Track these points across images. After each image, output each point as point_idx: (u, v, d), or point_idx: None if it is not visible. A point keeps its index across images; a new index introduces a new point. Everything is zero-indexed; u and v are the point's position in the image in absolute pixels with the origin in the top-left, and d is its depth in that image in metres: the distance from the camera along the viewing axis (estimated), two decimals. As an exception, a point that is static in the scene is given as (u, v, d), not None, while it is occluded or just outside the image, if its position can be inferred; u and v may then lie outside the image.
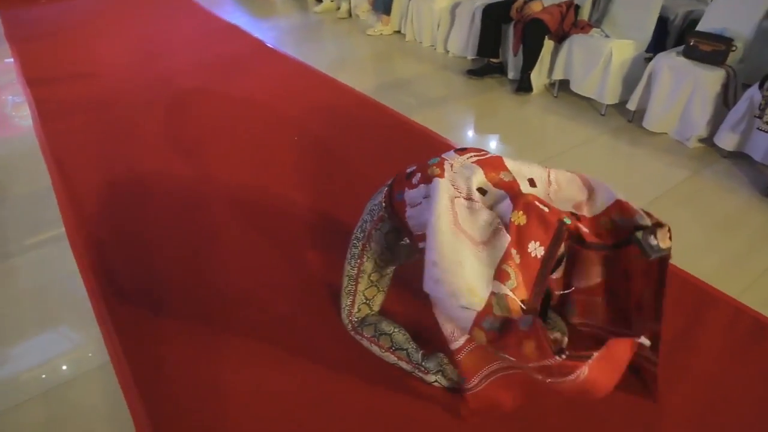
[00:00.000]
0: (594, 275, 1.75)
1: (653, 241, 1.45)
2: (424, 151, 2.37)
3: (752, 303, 2.18)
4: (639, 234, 1.45)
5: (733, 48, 3.10)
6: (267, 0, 6.34)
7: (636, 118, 3.51)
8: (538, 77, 3.90)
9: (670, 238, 1.48)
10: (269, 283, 2.27)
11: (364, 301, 1.84)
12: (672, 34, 4.17)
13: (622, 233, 1.53)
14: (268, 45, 4.90)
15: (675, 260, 2.30)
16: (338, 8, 5.73)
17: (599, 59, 3.49)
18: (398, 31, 5.15)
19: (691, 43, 3.21)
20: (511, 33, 3.93)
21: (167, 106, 3.75)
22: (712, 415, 1.77)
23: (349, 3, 5.60)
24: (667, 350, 2.00)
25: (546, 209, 1.40)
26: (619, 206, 1.56)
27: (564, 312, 1.88)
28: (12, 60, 4.69)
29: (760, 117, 2.80)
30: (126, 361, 1.92)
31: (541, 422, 1.73)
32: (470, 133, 3.61)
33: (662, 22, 4.04)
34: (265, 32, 5.21)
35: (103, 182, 2.95)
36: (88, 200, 2.81)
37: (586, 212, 1.58)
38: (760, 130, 2.81)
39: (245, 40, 5.07)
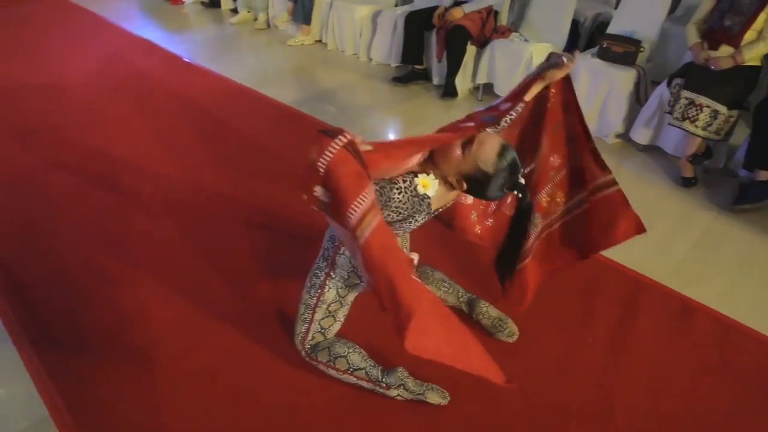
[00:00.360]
0: (538, 146, 1.87)
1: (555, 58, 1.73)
2: None
3: (678, 286, 2.33)
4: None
5: (642, 49, 3.30)
6: (179, 13, 6.11)
7: (557, 117, 3.67)
8: (462, 82, 3.99)
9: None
10: (198, 306, 2.18)
11: (319, 330, 1.79)
12: (583, 36, 4.40)
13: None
14: (184, 59, 4.72)
15: (605, 252, 2.45)
16: (255, 19, 5.61)
17: (520, 63, 3.62)
18: (320, 41, 5.11)
19: (604, 46, 3.40)
20: (434, 40, 4.00)
21: (80, 127, 3.52)
22: (653, 393, 1.88)
23: (267, 14, 5.50)
24: (606, 336, 2.12)
25: None
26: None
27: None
28: None
29: (671, 113, 3.00)
30: (68, 414, 1.78)
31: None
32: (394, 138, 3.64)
33: (573, 25, 4.24)
34: (180, 46, 5.02)
35: (8, 205, 2.73)
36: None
37: None
38: (672, 125, 3.01)
39: (159, 54, 4.86)
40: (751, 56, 2.84)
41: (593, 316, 2.21)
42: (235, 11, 5.88)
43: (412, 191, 1.50)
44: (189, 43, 5.16)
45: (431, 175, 1.53)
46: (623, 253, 2.49)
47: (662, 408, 1.84)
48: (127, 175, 3.04)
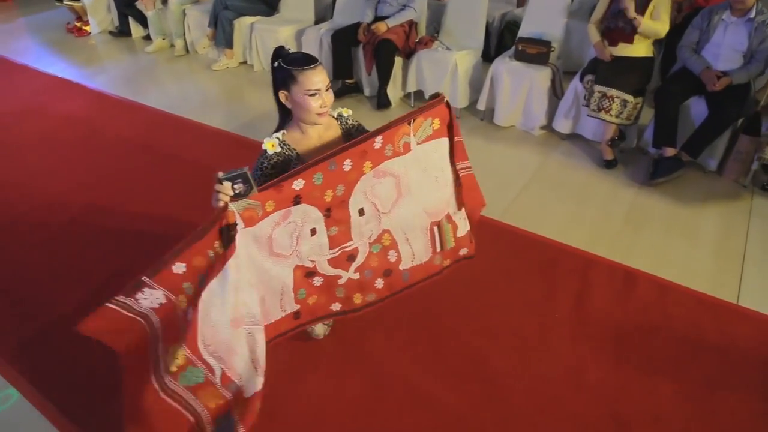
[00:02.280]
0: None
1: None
2: None
3: (619, 257, 2.71)
4: None
5: (552, 49, 3.68)
6: (86, 45, 5.91)
7: (487, 116, 4.00)
8: (394, 91, 4.23)
9: None
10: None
11: None
12: (494, 35, 4.78)
13: None
14: (108, 94, 4.63)
15: (551, 234, 2.78)
16: (172, 46, 5.55)
17: (446, 70, 3.90)
18: (245, 62, 5.17)
19: (520, 48, 3.75)
20: (361, 55, 4.21)
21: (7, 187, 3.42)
22: (616, 357, 2.22)
23: (184, 39, 5.46)
24: (566, 311, 2.43)
25: None
26: None
27: None
28: None
29: (587, 106, 3.40)
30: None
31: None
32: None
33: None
34: (96, 81, 4.89)
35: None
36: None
37: None
38: (590, 116, 3.40)
39: (80, 92, 4.73)
40: (649, 27, 3.21)
41: (554, 295, 2.52)
42: (147, 39, 5.77)
43: (263, 155, 1.79)
44: (104, 76, 5.04)
45: (273, 137, 1.81)
46: (568, 234, 2.85)
47: (624, 363, 2.18)
48: (78, 218, 3.03)
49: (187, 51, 5.50)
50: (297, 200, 1.68)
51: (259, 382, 1.66)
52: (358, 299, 1.99)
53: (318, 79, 1.74)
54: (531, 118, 3.80)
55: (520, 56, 3.75)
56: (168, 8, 5.35)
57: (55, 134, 4.02)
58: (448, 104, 1.92)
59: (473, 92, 4.03)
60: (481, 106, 3.93)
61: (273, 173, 1.76)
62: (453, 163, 2.01)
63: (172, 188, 3.31)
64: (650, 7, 3.23)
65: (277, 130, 1.88)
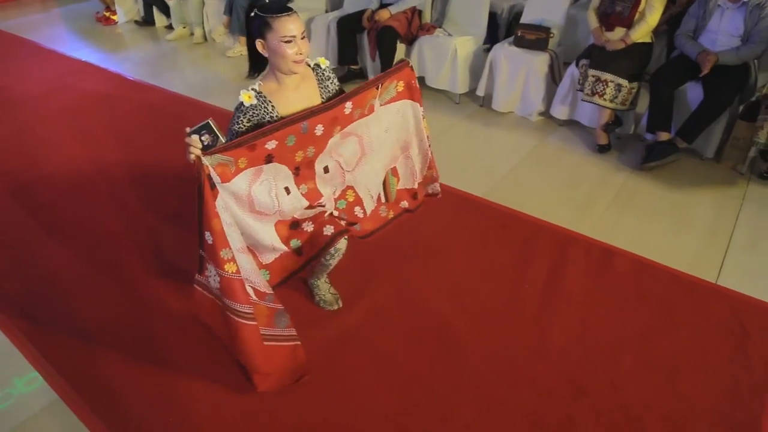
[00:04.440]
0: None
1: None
2: None
3: (599, 236, 2.70)
4: None
5: (551, 35, 3.69)
6: (113, 33, 6.18)
7: (486, 102, 4.02)
8: (396, 78, 4.28)
9: None
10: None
11: None
12: (502, 27, 4.78)
13: None
14: (128, 78, 4.84)
15: (535, 212, 2.79)
16: (192, 34, 5.75)
17: (447, 56, 3.94)
18: (258, 50, 5.31)
19: (519, 34, 3.77)
20: (366, 41, 4.28)
21: (30, 154, 3.61)
22: (583, 323, 2.21)
23: (203, 28, 5.65)
24: (540, 283, 2.44)
25: None
26: None
27: None
28: None
29: (582, 90, 3.39)
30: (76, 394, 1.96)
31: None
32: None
33: (492, 17, 4.62)
34: (120, 66, 5.12)
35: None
36: None
37: None
38: (584, 100, 3.40)
39: (101, 75, 4.95)
40: (637, 35, 3.25)
41: (528, 268, 2.52)
42: (170, 28, 5.99)
43: (239, 108, 1.84)
44: (128, 62, 5.26)
45: (250, 89, 1.85)
46: (552, 213, 2.85)
47: (589, 333, 2.18)
48: (100, 182, 3.18)
49: (205, 39, 5.69)
50: (269, 159, 1.78)
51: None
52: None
53: (293, 26, 1.77)
54: (528, 104, 3.81)
55: (519, 42, 3.77)
56: (188, -4, 5.56)
57: (75, 109, 4.25)
58: (411, 68, 2.03)
59: (473, 79, 4.05)
60: (480, 92, 3.96)
61: (249, 128, 1.84)
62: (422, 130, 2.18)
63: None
64: (642, 2, 3.22)
65: (248, 77, 1.94)
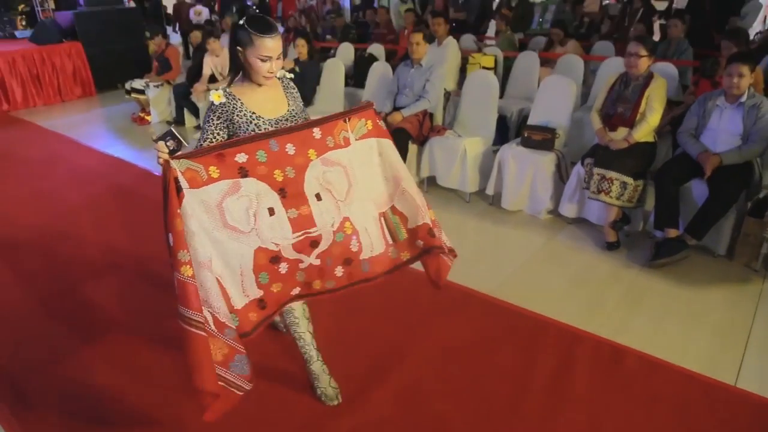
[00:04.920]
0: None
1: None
2: None
3: (608, 334, 2.62)
4: None
5: (557, 135, 3.81)
6: (146, 131, 6.57)
7: (495, 201, 4.08)
8: (409, 176, 4.42)
9: None
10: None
11: None
12: (512, 129, 4.98)
13: None
14: (155, 173, 5.07)
15: (542, 309, 2.74)
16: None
17: (456, 156, 4.08)
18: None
19: (526, 135, 3.90)
20: (380, 141, 4.47)
21: (62, 242, 3.74)
22: (592, 427, 2.10)
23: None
24: (542, 381, 2.35)
25: None
26: None
27: None
28: None
29: (587, 188, 3.44)
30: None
31: None
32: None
33: (502, 120, 4.83)
34: (149, 162, 5.39)
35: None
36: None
37: None
38: (590, 198, 3.44)
39: (131, 170, 5.22)
40: (639, 135, 3.35)
41: (534, 367, 2.44)
42: (198, 128, 6.35)
43: (210, 107, 1.98)
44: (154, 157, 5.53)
45: (219, 90, 1.99)
46: (560, 310, 2.80)
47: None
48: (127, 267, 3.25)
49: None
50: (244, 172, 1.84)
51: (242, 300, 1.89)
52: (317, 285, 2.04)
53: (272, 46, 1.93)
54: (537, 203, 3.86)
55: (526, 142, 3.89)
56: (217, 101, 5.92)
57: (98, 200, 4.46)
58: (375, 111, 2.19)
59: (483, 178, 4.15)
60: (490, 191, 4.04)
61: (219, 123, 1.98)
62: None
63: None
64: (642, 103, 3.35)
65: (230, 77, 2.09)
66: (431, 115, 4.42)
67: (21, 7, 12.06)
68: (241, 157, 1.83)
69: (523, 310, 2.84)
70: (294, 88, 2.19)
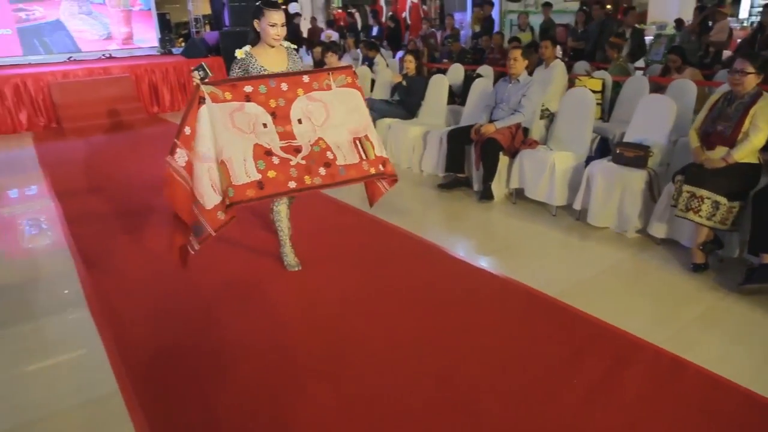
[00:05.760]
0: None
1: None
2: (398, 250, 3.41)
3: (673, 349, 2.51)
4: None
5: (651, 153, 3.70)
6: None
7: (582, 216, 4.02)
8: (498, 187, 4.49)
9: None
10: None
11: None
12: (613, 151, 4.85)
13: None
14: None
15: (606, 318, 2.67)
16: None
17: (545, 168, 4.09)
18: (381, 158, 5.87)
19: (618, 152, 3.83)
20: (473, 152, 4.60)
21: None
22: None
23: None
24: (587, 379, 2.34)
25: None
26: None
27: None
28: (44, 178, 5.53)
29: (675, 205, 3.31)
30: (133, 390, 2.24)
31: None
32: (442, 234, 4.10)
33: (604, 141, 4.74)
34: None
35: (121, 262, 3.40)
36: (112, 287, 3.24)
37: None
38: (677, 216, 3.30)
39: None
40: (740, 155, 3.17)
41: (580, 365, 2.42)
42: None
43: (235, 60, 3.03)
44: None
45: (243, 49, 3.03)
46: (624, 321, 2.72)
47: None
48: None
49: (339, 147, 6.41)
50: (248, 98, 2.80)
51: (216, 199, 2.71)
52: (308, 180, 2.85)
53: (277, 17, 2.93)
54: (624, 220, 3.75)
55: (617, 159, 3.82)
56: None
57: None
58: (354, 72, 3.19)
59: (571, 193, 4.10)
60: (577, 205, 3.99)
61: (238, 71, 3.00)
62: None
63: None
64: (746, 122, 3.18)
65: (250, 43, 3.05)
66: (525, 129, 4.47)
67: (182, 30, 13.83)
68: (248, 88, 2.81)
69: (583, 312, 2.81)
70: (297, 57, 3.20)
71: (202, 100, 2.67)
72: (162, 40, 11.61)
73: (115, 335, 2.72)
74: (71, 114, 7.92)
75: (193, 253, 2.83)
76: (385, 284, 3.20)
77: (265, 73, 2.96)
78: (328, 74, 3.03)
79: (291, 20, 12.53)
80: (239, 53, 2.97)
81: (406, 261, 3.52)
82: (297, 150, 2.83)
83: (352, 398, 2.25)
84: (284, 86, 2.88)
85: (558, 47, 6.90)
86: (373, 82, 6.96)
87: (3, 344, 2.74)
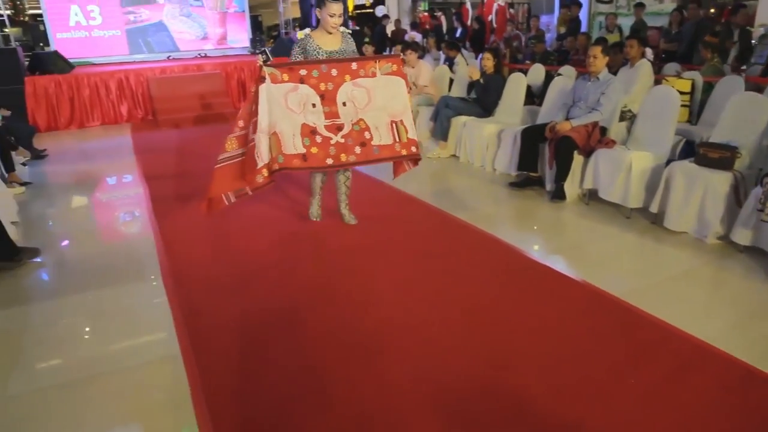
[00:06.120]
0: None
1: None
2: (466, 245, 3.50)
3: (753, 360, 2.35)
4: None
5: (738, 155, 3.47)
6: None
7: (658, 219, 3.83)
8: (571, 187, 4.36)
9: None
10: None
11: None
12: (696, 151, 4.58)
13: None
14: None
15: (676, 323, 2.56)
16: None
17: (621, 168, 3.93)
18: (454, 155, 5.87)
19: (701, 152, 3.63)
20: (546, 150, 4.50)
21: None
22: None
23: (414, 134, 6.45)
24: (646, 379, 2.29)
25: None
26: None
27: None
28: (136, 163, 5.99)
29: (762, 210, 3.09)
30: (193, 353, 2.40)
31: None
32: (509, 231, 4.04)
33: (689, 145, 4.49)
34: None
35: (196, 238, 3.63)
36: (185, 259, 3.47)
37: None
38: (763, 221, 3.08)
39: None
40: None
41: (641, 364, 2.33)
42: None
43: (296, 41, 3.62)
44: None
45: (304, 30, 3.62)
46: (697, 327, 2.57)
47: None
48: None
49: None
50: (302, 80, 3.35)
51: (261, 163, 3.35)
52: (343, 158, 3.50)
53: (336, 8, 3.36)
54: (705, 225, 3.54)
55: (700, 160, 3.61)
56: (407, 108, 6.46)
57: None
58: (403, 60, 3.84)
59: (648, 195, 3.92)
60: (654, 208, 3.80)
61: (299, 51, 3.51)
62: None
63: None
64: None
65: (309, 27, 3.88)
66: (603, 129, 4.32)
67: (273, 32, 14.52)
68: (303, 72, 3.35)
69: (648, 314, 2.69)
70: (351, 39, 3.63)
71: (262, 79, 3.28)
72: (253, 41, 12.16)
73: (180, 302, 2.92)
74: (166, 107, 8.51)
75: (227, 204, 3.47)
76: (448, 274, 3.21)
77: (321, 51, 3.47)
78: (375, 62, 3.48)
79: (379, 22, 12.80)
80: (300, 34, 3.53)
81: (468, 252, 3.52)
82: (339, 128, 3.42)
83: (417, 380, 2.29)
84: (334, 72, 3.37)
85: (648, 50, 6.61)
86: (451, 81, 6.95)
87: (84, 304, 3.02)
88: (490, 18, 13.43)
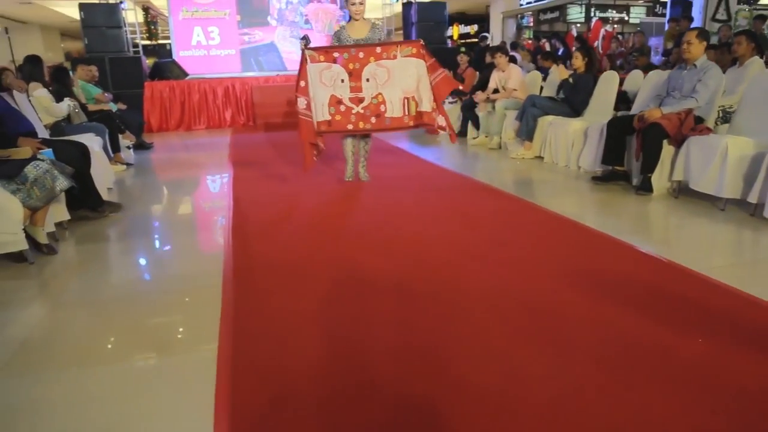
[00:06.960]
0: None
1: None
2: (547, 231, 3.40)
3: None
4: None
5: None
6: (432, 137, 7.40)
7: (758, 211, 3.45)
8: (659, 179, 4.07)
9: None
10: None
11: None
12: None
13: None
14: (438, 165, 5.76)
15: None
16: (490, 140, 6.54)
17: (715, 155, 3.60)
18: (539, 156, 5.69)
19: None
20: (634, 141, 4.24)
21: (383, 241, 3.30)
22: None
23: (500, 136, 6.36)
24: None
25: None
26: None
27: None
28: (228, 153, 6.38)
29: None
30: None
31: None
32: (590, 221, 3.74)
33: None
34: (432, 157, 6.10)
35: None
36: (251, 218, 3.65)
37: None
38: None
39: (415, 161, 6.02)
40: None
41: (691, 330, 2.09)
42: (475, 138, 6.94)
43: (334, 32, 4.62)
44: (443, 160, 6.27)
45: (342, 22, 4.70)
46: None
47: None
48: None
49: (500, 147, 6.36)
50: (335, 60, 4.23)
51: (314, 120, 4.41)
52: (361, 125, 4.39)
53: None
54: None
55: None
56: (495, 111, 6.40)
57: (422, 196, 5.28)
58: (424, 46, 4.31)
59: (746, 186, 3.54)
60: (753, 198, 3.43)
61: (335, 40, 4.44)
62: (428, 74, 4.28)
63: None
64: None
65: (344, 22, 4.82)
66: (698, 119, 4.01)
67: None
68: (336, 54, 4.23)
69: (720, 283, 2.44)
70: (379, 28, 4.46)
71: (305, 60, 4.23)
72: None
73: (234, 249, 3.14)
74: (264, 112, 9.22)
75: (322, 146, 4.52)
76: (533, 260, 3.11)
77: (350, 38, 4.34)
78: (397, 46, 4.27)
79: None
80: (336, 26, 4.29)
81: (549, 237, 3.39)
82: (360, 100, 4.29)
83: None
84: (361, 54, 4.23)
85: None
86: (541, 89, 6.80)
87: (156, 255, 3.39)
88: (596, 44, 13.07)
